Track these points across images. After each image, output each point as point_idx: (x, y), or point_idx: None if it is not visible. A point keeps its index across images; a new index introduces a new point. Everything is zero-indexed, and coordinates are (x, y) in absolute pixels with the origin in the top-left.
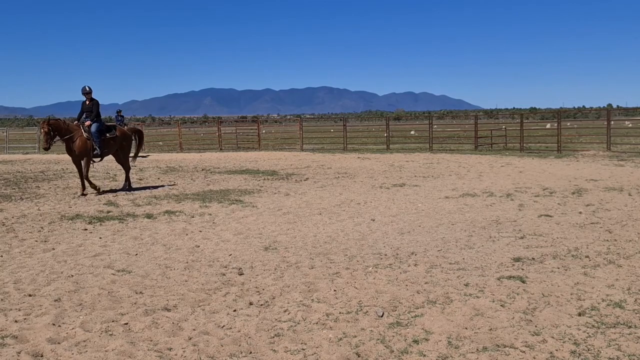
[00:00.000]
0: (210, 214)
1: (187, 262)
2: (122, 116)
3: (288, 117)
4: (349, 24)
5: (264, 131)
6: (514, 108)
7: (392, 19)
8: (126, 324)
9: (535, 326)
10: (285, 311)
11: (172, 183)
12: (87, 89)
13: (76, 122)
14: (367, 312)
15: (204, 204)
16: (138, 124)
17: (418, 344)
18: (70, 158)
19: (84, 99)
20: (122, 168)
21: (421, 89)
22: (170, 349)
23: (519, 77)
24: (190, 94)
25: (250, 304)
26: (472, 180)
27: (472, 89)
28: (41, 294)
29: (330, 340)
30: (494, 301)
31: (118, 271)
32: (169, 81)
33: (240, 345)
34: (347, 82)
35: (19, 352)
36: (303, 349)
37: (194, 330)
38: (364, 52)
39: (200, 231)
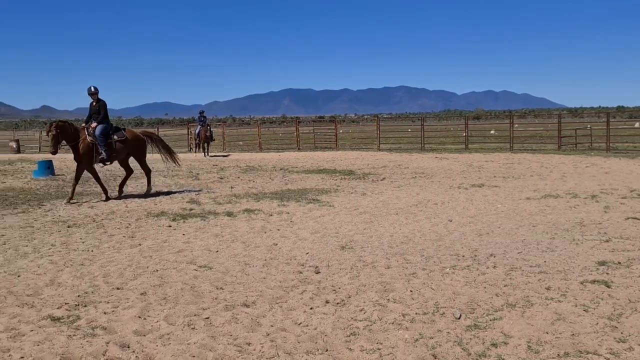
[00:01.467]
0: (288, 213)
1: (265, 260)
2: (205, 117)
3: (365, 116)
4: (428, 21)
5: (341, 131)
6: (599, 107)
7: (472, 17)
8: (207, 318)
9: (621, 333)
10: (361, 310)
11: (198, 189)
12: (93, 89)
13: (83, 125)
14: (443, 313)
15: (282, 203)
16: (219, 124)
17: (496, 347)
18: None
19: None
20: (128, 169)
21: (502, 87)
22: (249, 344)
23: (605, 74)
24: (269, 94)
25: (327, 302)
26: (555, 181)
27: (556, 87)
28: (128, 287)
29: (406, 340)
30: (576, 306)
31: (200, 267)
32: (249, 82)
33: (316, 342)
34: (425, 81)
35: (108, 343)
36: (379, 349)
37: (272, 326)
38: (443, 50)
39: (278, 229)
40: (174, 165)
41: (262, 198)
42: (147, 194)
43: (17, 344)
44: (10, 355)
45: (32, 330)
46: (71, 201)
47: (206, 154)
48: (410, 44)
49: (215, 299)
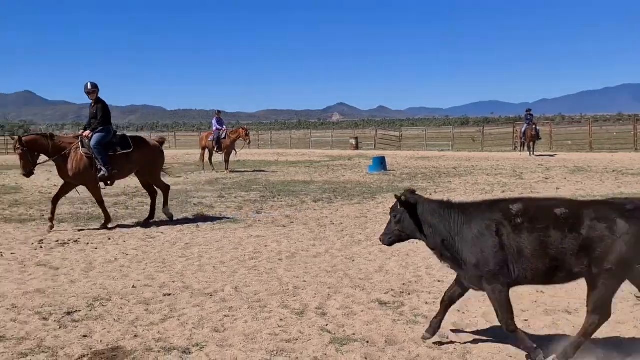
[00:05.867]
0: None
1: None
2: (532, 115)
3: None
4: None
5: None
6: None
7: None
8: (526, 320)
9: None
10: None
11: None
12: (89, 86)
13: (79, 132)
14: None
15: None
16: (547, 123)
17: None
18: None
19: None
20: (152, 191)
21: None
22: None
23: None
24: (604, 90)
25: None
26: None
27: None
28: (448, 281)
29: None
30: None
31: None
32: (581, 78)
33: None
34: None
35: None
36: None
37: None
38: None
39: None
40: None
41: None
42: (150, 219)
43: (350, 321)
44: (344, 330)
45: (362, 311)
46: (108, 225)
47: (531, 153)
48: None
49: (535, 302)
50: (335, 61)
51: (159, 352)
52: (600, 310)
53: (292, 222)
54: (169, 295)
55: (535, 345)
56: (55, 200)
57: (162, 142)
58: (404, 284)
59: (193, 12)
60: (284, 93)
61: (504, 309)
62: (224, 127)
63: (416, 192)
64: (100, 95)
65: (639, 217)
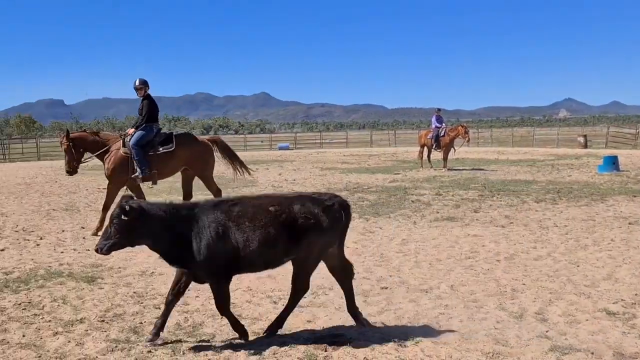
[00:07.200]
0: None
1: None
2: None
3: None
4: None
5: None
6: None
7: None
8: None
9: None
10: None
11: None
12: (137, 83)
13: (128, 130)
14: None
15: None
16: None
17: None
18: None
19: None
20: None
21: None
22: None
23: None
24: None
25: None
26: None
27: None
28: None
29: None
30: None
31: None
32: None
33: None
34: None
35: None
36: None
37: None
38: None
39: None
40: (245, 174)
41: None
42: None
43: (572, 329)
44: (566, 338)
45: (587, 320)
46: (99, 232)
47: None
48: None
49: None
50: (563, 53)
51: (376, 342)
52: (303, 286)
53: (512, 223)
54: (386, 288)
55: (244, 329)
56: (106, 206)
57: (215, 140)
58: (636, 295)
59: (403, 18)
60: (506, 89)
61: (221, 297)
62: (443, 124)
63: (134, 198)
64: (149, 91)
65: (336, 209)
